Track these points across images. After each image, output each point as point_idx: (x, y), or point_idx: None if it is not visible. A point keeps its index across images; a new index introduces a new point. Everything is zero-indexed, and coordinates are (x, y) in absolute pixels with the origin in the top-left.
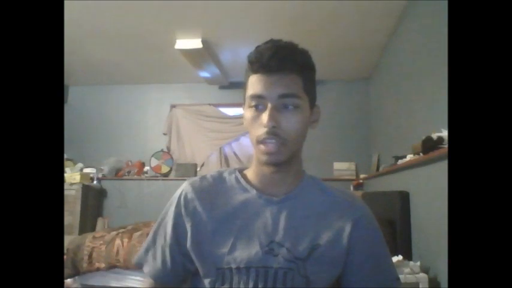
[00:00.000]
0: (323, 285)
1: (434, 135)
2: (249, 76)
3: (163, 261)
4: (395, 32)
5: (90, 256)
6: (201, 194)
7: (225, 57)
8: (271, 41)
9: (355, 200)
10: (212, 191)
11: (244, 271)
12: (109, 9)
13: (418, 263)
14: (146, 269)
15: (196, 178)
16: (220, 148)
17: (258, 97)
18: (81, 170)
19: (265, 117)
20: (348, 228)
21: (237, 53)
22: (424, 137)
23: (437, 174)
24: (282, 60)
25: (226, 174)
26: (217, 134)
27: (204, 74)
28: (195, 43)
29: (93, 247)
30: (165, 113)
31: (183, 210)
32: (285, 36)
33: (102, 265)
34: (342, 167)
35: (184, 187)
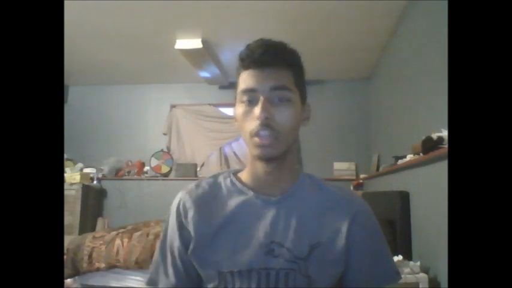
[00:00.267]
0: (325, 285)
1: (434, 135)
2: (239, 74)
3: (177, 275)
4: (395, 32)
5: (90, 256)
6: (198, 201)
7: (225, 57)
8: (261, 39)
9: (352, 197)
10: (209, 198)
11: (245, 274)
12: (109, 9)
13: (418, 263)
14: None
15: (192, 186)
16: (220, 148)
17: (249, 91)
18: (81, 170)
19: (257, 109)
20: (346, 225)
21: (237, 53)
22: (424, 137)
23: (437, 174)
24: (273, 55)
25: (221, 179)
26: (217, 134)
27: (204, 74)
28: (195, 43)
29: (93, 247)
30: (165, 113)
31: (183, 219)
32: (285, 36)
33: (102, 265)
34: (342, 167)
35: (181, 197)
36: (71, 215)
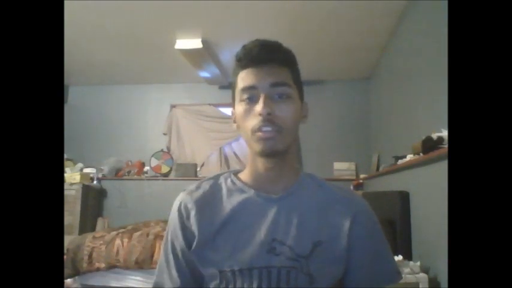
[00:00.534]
0: (327, 284)
1: (434, 135)
2: (237, 74)
3: (182, 275)
4: (395, 32)
5: (90, 256)
6: (199, 202)
7: (225, 57)
8: (258, 39)
9: (353, 196)
10: (210, 198)
11: (247, 272)
12: (109, 9)
13: (418, 263)
14: None
15: (193, 187)
16: (220, 148)
17: (249, 88)
18: (81, 170)
19: (259, 106)
20: (347, 224)
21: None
22: (424, 137)
23: (437, 174)
24: (270, 52)
25: (222, 180)
26: (217, 134)
27: (204, 74)
28: (195, 43)
29: (93, 247)
30: (165, 113)
31: (185, 219)
32: (285, 36)
33: (102, 265)
34: (342, 167)
35: (182, 198)
36: (71, 215)
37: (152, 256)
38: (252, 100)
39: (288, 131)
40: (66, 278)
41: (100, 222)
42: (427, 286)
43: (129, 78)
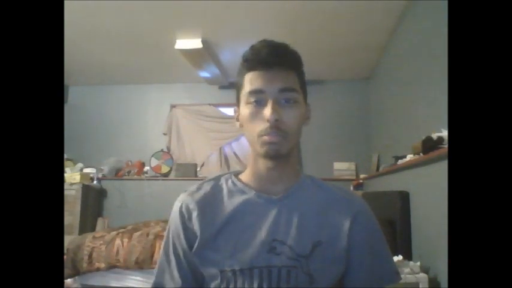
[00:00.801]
0: (327, 284)
1: (434, 135)
2: (244, 74)
3: (183, 276)
4: (395, 32)
5: (90, 256)
6: (200, 203)
7: (225, 57)
8: (265, 40)
9: (353, 197)
10: (211, 199)
11: (247, 272)
12: (109, 9)
13: (418, 263)
14: None
15: (193, 188)
16: (220, 148)
17: (258, 92)
18: (81, 170)
19: (267, 111)
20: (347, 224)
21: (237, 53)
22: (424, 137)
23: (437, 174)
24: (278, 56)
25: (222, 181)
26: (217, 134)
27: (204, 74)
28: (195, 43)
29: (93, 247)
30: (165, 113)
31: (187, 220)
32: (285, 36)
33: (102, 265)
34: (342, 167)
35: (183, 199)
36: (71, 215)
37: (152, 256)
38: (259, 104)
39: (292, 136)
40: (66, 278)
41: (100, 222)
42: (427, 286)
43: (129, 78)
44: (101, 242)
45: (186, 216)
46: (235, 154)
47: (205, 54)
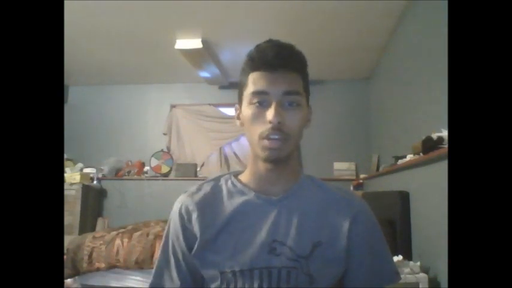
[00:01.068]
0: (327, 284)
1: (434, 135)
2: (248, 74)
3: (181, 277)
4: (395, 32)
5: (90, 256)
6: (200, 204)
7: (225, 57)
8: (271, 40)
9: (353, 197)
10: (210, 200)
11: (247, 273)
12: (109, 9)
13: (418, 263)
14: None
15: (193, 189)
16: (220, 148)
17: (261, 93)
18: (81, 170)
19: (270, 113)
20: (346, 225)
21: (237, 53)
22: (424, 137)
23: (437, 174)
24: (285, 58)
25: (222, 182)
26: (217, 134)
27: (204, 74)
28: (195, 43)
29: (93, 247)
30: (165, 113)
31: (186, 222)
32: (285, 36)
33: (102, 265)
34: (342, 167)
35: (183, 200)
36: (71, 215)
37: (152, 256)
38: (262, 105)
39: (294, 139)
40: (66, 278)
41: (100, 222)
42: (427, 286)
43: (129, 78)
44: (101, 242)
45: (186, 217)
46: (235, 154)
47: (205, 54)
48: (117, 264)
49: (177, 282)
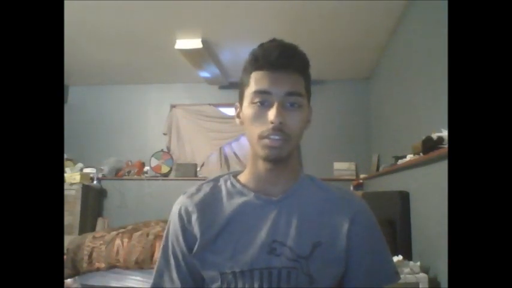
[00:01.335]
0: (327, 284)
1: (434, 135)
2: (250, 73)
3: (182, 278)
4: (395, 32)
5: (90, 256)
6: (200, 205)
7: (225, 57)
8: (275, 40)
9: (352, 197)
10: (210, 200)
11: (248, 274)
12: (109, 9)
13: (418, 263)
14: None
15: (192, 190)
16: (220, 148)
17: (264, 93)
18: (81, 170)
19: (271, 113)
20: (346, 224)
21: (237, 53)
22: (424, 137)
23: (437, 174)
24: (288, 58)
25: (221, 182)
26: (217, 134)
27: (204, 74)
28: (195, 43)
29: (93, 247)
30: (165, 113)
31: (186, 223)
32: (285, 36)
33: (102, 265)
34: (342, 167)
35: (183, 201)
36: (71, 215)
37: (152, 256)
38: (263, 105)
39: (294, 139)
40: (66, 278)
41: (100, 222)
42: (427, 286)
43: (129, 78)
44: (101, 242)
45: (186, 219)
46: (235, 154)
47: (205, 54)
48: (117, 264)
49: (177, 283)
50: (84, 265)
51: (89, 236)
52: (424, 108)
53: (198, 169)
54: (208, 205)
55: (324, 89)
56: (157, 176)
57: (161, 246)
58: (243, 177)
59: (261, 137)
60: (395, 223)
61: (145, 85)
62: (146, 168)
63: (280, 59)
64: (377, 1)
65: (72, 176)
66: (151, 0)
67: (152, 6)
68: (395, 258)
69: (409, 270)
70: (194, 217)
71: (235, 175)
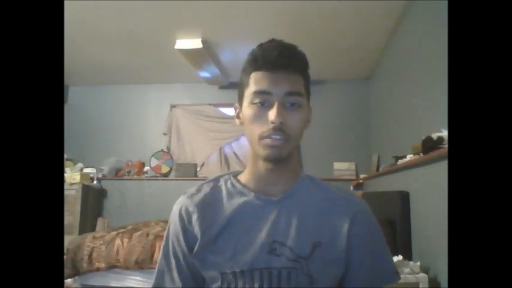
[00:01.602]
0: (327, 284)
1: (434, 135)
2: (249, 73)
3: (183, 279)
4: (395, 32)
5: (90, 256)
6: (200, 205)
7: (225, 57)
8: (274, 40)
9: (352, 197)
10: (210, 201)
11: (248, 274)
12: (109, 9)
13: (418, 263)
14: None
15: (193, 190)
16: (220, 148)
17: (264, 93)
18: (81, 170)
19: (272, 113)
20: (346, 224)
21: (237, 53)
22: (424, 137)
23: (437, 174)
24: (288, 58)
25: (222, 182)
26: (217, 134)
27: (204, 74)
28: (195, 43)
29: (93, 247)
30: (165, 113)
31: (187, 223)
32: (285, 36)
33: (102, 265)
34: (342, 167)
35: (183, 202)
36: (71, 215)
37: (152, 256)
38: (264, 105)
39: (294, 139)
40: (66, 278)
41: (100, 222)
42: (427, 286)
43: (129, 78)
44: (101, 242)
45: (186, 219)
46: (235, 154)
47: (205, 54)
48: (117, 264)
49: (178, 283)
50: (84, 265)
51: (89, 236)
52: (424, 108)
53: (198, 169)
54: (208, 205)
55: (324, 89)
56: (157, 176)
57: (162, 246)
58: (243, 177)
59: (262, 137)
60: (395, 223)
61: (145, 85)
62: (146, 168)
63: (280, 59)
64: (377, 1)
65: (72, 176)
66: (151, 0)
67: (152, 6)
68: (395, 258)
69: (409, 270)
70: (195, 217)
71: (235, 175)
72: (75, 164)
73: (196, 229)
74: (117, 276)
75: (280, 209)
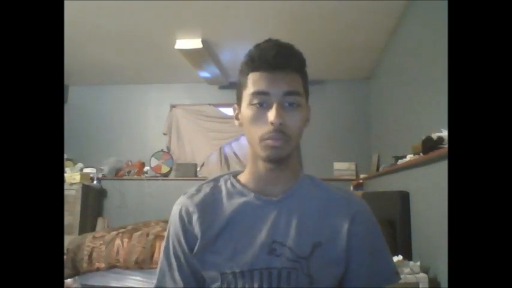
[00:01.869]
0: (327, 284)
1: (434, 135)
2: (247, 74)
3: (184, 279)
4: (396, 32)
5: (90, 256)
6: (200, 205)
7: (225, 57)
8: (271, 40)
9: (352, 196)
10: (210, 201)
11: (248, 274)
12: (109, 9)
13: (418, 263)
14: None
15: (193, 190)
16: (220, 148)
17: (262, 94)
18: (81, 170)
19: (271, 114)
20: (346, 224)
21: (237, 53)
22: (424, 137)
23: (437, 174)
24: (285, 58)
25: (221, 182)
26: (217, 134)
27: (204, 74)
28: (195, 43)
29: (93, 247)
30: (165, 113)
31: (187, 223)
32: (285, 36)
33: (102, 265)
34: (342, 167)
35: (183, 202)
36: (71, 215)
37: (152, 256)
38: (262, 106)
39: (294, 140)
40: (66, 278)
41: (100, 222)
42: (427, 286)
43: (129, 78)
44: (101, 242)
45: (186, 219)
46: (235, 154)
47: (205, 54)
48: (117, 264)
49: (179, 283)
50: (84, 265)
51: (89, 236)
52: (424, 108)
53: (198, 169)
54: (208, 205)
55: (324, 89)
56: (157, 176)
57: (163, 246)
58: (243, 178)
59: (262, 138)
60: (395, 223)
61: (145, 85)
62: (146, 168)
63: (277, 58)
64: (377, 1)
65: (72, 176)
66: (151, 0)
67: (152, 6)
68: (395, 258)
69: (409, 270)
70: (195, 217)
71: (235, 175)
72: (75, 164)
73: (197, 229)
74: (117, 276)
75: (280, 209)
